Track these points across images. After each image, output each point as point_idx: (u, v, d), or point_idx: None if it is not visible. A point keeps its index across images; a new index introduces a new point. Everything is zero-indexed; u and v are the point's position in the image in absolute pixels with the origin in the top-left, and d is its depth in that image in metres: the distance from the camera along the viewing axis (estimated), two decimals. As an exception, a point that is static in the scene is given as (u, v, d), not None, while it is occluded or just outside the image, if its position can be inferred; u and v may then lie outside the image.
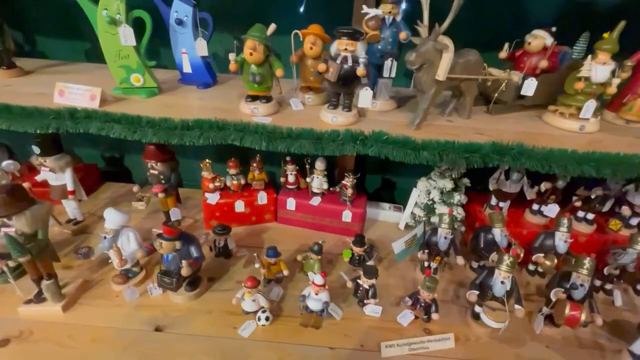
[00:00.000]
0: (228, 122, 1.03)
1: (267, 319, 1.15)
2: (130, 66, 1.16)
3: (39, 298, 1.14)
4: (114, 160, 2.03)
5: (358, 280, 1.25)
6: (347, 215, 1.58)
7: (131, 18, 1.10)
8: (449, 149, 1.01)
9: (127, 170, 2.07)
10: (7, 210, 0.96)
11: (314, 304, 1.18)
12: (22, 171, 1.45)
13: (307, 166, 1.55)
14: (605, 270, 1.29)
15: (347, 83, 1.03)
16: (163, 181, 1.43)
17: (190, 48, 1.28)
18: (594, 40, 1.12)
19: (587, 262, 1.09)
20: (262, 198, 1.61)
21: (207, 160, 1.51)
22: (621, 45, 1.09)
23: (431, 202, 1.53)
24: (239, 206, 1.60)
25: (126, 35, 1.10)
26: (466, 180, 1.52)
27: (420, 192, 1.55)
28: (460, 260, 1.30)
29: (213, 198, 1.54)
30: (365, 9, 1.11)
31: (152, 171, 1.41)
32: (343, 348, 1.13)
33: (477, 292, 1.13)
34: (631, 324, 1.26)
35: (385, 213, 1.77)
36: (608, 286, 1.35)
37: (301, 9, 1.47)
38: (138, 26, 1.15)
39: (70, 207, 1.49)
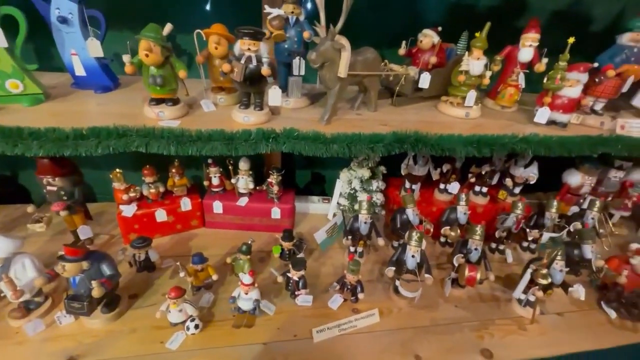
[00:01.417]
0: (129, 128, 0.97)
1: (196, 327, 1.12)
2: (4, 71, 1.01)
3: None
4: (4, 180, 1.75)
5: (288, 274, 1.29)
6: (275, 212, 1.60)
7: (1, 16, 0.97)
8: (355, 141, 1.08)
9: (22, 189, 1.81)
10: None
11: (245, 304, 1.18)
12: None
13: (230, 167, 1.53)
14: (496, 234, 1.52)
15: (254, 83, 1.04)
16: (65, 197, 1.28)
17: (81, 49, 1.16)
18: (472, 38, 1.30)
19: (478, 228, 1.28)
20: (186, 204, 1.55)
21: (118, 170, 1.40)
22: (494, 42, 1.28)
23: (353, 190, 1.64)
24: (161, 215, 1.51)
25: (-6, 36, 0.96)
26: (382, 168, 1.65)
27: (343, 182, 1.64)
28: (381, 241, 1.41)
29: (129, 210, 1.43)
30: (267, 9, 1.13)
31: (49, 187, 1.26)
32: (276, 341, 1.16)
33: (393, 268, 1.25)
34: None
35: (314, 206, 1.83)
36: (501, 247, 1.60)
37: (207, 7, 1.43)
38: (10, 25, 1.01)
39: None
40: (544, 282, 1.14)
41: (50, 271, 1.06)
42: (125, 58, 0.96)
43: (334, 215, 1.75)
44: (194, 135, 1.00)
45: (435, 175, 1.59)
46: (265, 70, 1.00)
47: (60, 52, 1.17)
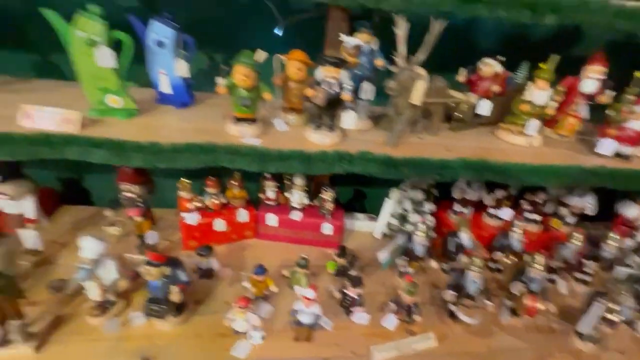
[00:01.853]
0: (219, 145, 1.04)
1: (262, 337, 1.16)
2: (108, 87, 1.12)
3: (4, 340, 1.03)
4: (70, 182, 1.88)
5: (345, 290, 1.31)
6: (327, 228, 1.64)
7: (111, 39, 1.07)
8: (424, 165, 1.12)
9: (85, 192, 1.93)
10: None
11: (306, 318, 1.22)
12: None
13: (287, 182, 1.59)
14: (551, 264, 1.50)
15: (332, 106, 1.11)
16: (139, 204, 1.37)
17: (169, 69, 1.26)
18: (532, 68, 1.33)
19: (540, 258, 1.27)
20: (243, 215, 1.62)
21: (186, 180, 1.48)
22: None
23: (404, 211, 1.66)
24: (219, 225, 1.58)
25: (105, 57, 1.06)
26: (435, 191, 1.67)
27: (394, 202, 1.67)
28: (434, 264, 1.43)
29: (192, 218, 1.51)
30: (344, 37, 1.20)
31: (127, 194, 1.35)
32: (336, 357, 1.18)
33: (454, 293, 1.26)
34: (575, 308, 1.47)
35: (360, 223, 1.86)
36: (553, 277, 1.57)
37: (279, 33, 1.53)
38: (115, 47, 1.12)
39: (29, 237, 1.36)
40: (614, 318, 1.12)
41: (131, 273, 1.13)
42: (220, 81, 1.04)
43: (386, 234, 1.77)
44: (275, 154, 1.07)
45: (488, 201, 1.60)
46: (346, 96, 1.06)
47: (149, 71, 1.28)
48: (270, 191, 1.64)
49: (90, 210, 1.77)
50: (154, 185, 1.44)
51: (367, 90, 1.28)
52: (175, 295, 1.06)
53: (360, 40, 1.21)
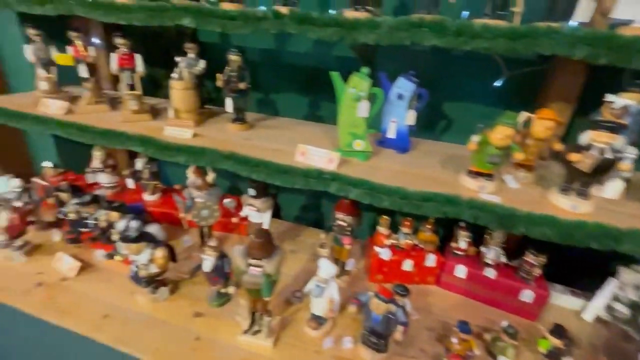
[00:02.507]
0: (463, 199, 1.07)
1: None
2: (357, 133, 1.30)
3: (252, 330, 1.26)
4: (308, 206, 2.21)
5: (567, 380, 1.13)
6: (527, 295, 1.47)
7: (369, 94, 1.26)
8: None
9: (321, 217, 2.22)
10: (266, 253, 1.12)
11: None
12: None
13: (487, 237, 1.51)
14: None
15: (598, 174, 1.00)
16: (348, 233, 1.52)
17: (401, 117, 1.40)
18: None
19: None
20: (431, 260, 1.61)
21: (386, 217, 1.58)
22: None
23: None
24: (407, 265, 1.61)
25: (364, 109, 1.25)
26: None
27: (626, 285, 1.38)
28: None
29: (386, 254, 1.58)
30: (611, 97, 1.09)
31: (340, 222, 1.52)
32: None
33: None
34: None
35: (559, 296, 1.60)
36: None
37: (498, 84, 1.51)
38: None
39: (258, 243, 1.68)
40: None
41: (355, 300, 1.25)
42: (474, 138, 1.08)
43: (601, 320, 1.47)
44: (523, 216, 1.02)
45: None
46: (626, 166, 0.94)
47: (382, 118, 1.43)
48: (463, 241, 1.59)
49: (285, 225, 2.08)
50: (362, 217, 1.58)
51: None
52: (398, 334, 1.11)
53: (630, 100, 1.07)
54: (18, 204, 1.62)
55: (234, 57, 1.43)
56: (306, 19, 1.13)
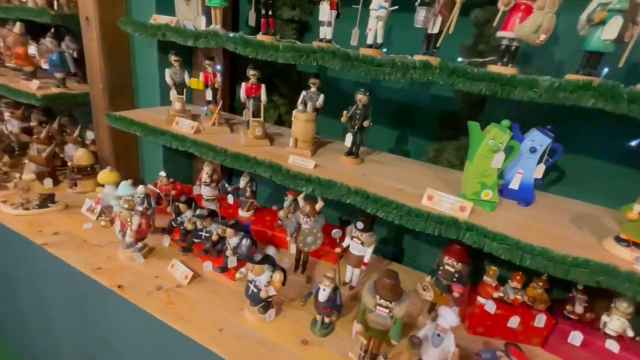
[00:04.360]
0: (620, 270, 1.01)
1: None
2: (487, 183, 1.29)
3: (365, 368, 1.26)
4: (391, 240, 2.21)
5: None
6: (660, 379, 1.33)
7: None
8: None
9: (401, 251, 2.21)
10: (397, 295, 1.13)
11: None
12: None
13: (612, 305, 1.40)
14: None
15: None
16: (455, 279, 1.49)
17: (528, 170, 1.37)
18: None
19: None
20: (541, 321, 1.51)
21: (494, 268, 1.53)
22: None
23: None
24: (513, 322, 1.53)
25: (500, 160, 1.24)
26: None
27: None
28: None
29: (491, 307, 1.52)
30: None
31: (447, 267, 1.50)
32: None
33: None
34: None
35: (692, 384, 1.42)
36: None
37: (634, 144, 1.44)
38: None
39: (355, 275, 1.70)
40: None
41: (477, 357, 1.20)
42: (636, 207, 1.03)
43: None
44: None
45: None
46: None
47: (506, 168, 1.41)
48: (579, 306, 1.48)
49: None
50: (470, 266, 1.54)
51: None
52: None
53: None
54: (142, 208, 1.79)
55: (362, 97, 1.51)
56: (457, 71, 1.17)
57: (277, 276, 1.37)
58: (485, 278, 1.55)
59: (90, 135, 2.58)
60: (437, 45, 1.29)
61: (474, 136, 1.27)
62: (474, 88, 1.15)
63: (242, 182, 2.04)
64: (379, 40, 1.40)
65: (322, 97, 1.70)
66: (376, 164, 1.67)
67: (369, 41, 1.40)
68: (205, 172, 2.06)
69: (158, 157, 2.42)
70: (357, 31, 1.44)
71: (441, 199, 1.27)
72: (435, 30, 1.24)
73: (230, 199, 2.11)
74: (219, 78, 1.93)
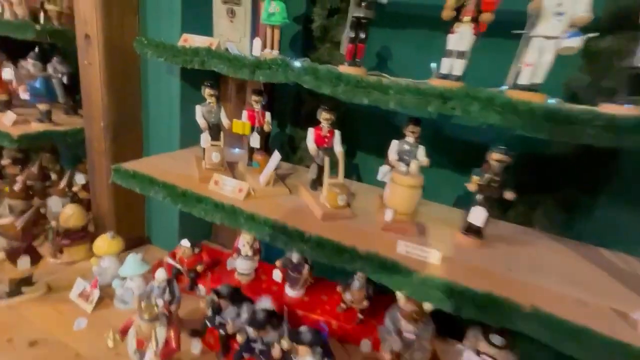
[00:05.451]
0: None
1: None
2: None
3: None
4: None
5: None
6: None
7: None
8: None
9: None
10: None
11: None
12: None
13: None
14: None
15: None
16: None
17: None
18: None
19: None
20: None
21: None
22: None
23: None
24: None
25: None
26: None
27: None
28: None
29: None
30: None
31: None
32: None
33: None
34: None
35: None
36: None
37: None
38: None
39: None
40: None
41: None
42: None
43: None
44: None
45: None
46: None
47: None
48: None
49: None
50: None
51: None
52: None
53: None
54: (164, 304, 1.24)
55: (499, 157, 1.06)
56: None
57: None
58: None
59: (80, 179, 2.02)
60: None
61: None
62: None
63: (295, 256, 1.53)
64: (538, 81, 0.96)
65: (422, 150, 1.24)
66: (502, 243, 1.20)
67: (523, 81, 0.96)
68: (245, 244, 1.54)
69: (172, 212, 1.88)
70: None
71: None
72: None
73: (277, 275, 1.59)
74: (268, 118, 1.45)
